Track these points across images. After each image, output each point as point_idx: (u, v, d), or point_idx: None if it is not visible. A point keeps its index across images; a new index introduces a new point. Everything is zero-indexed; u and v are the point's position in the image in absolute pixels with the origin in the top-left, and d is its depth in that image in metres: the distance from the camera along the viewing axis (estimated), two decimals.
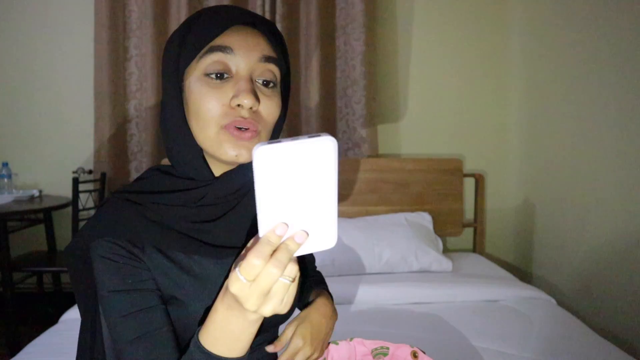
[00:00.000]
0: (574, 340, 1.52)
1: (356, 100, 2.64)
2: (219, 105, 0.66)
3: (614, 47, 1.98)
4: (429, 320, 1.69)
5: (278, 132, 0.74)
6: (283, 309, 0.54)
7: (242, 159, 0.67)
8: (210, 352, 0.60)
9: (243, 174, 0.73)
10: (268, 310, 0.53)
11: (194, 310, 0.69)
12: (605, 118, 2.03)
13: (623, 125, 1.93)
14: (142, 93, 2.64)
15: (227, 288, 0.57)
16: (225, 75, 0.67)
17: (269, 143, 0.47)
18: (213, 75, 0.66)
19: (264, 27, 0.71)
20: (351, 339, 1.01)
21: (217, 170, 0.73)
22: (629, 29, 1.89)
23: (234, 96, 0.66)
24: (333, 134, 2.69)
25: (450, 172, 2.60)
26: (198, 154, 0.70)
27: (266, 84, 0.69)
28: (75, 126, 2.75)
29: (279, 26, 2.57)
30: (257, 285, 0.51)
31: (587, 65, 2.15)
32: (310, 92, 2.63)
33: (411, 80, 2.80)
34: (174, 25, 2.61)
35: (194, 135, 0.69)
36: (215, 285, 0.71)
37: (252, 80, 0.68)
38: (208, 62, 0.66)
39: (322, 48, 2.62)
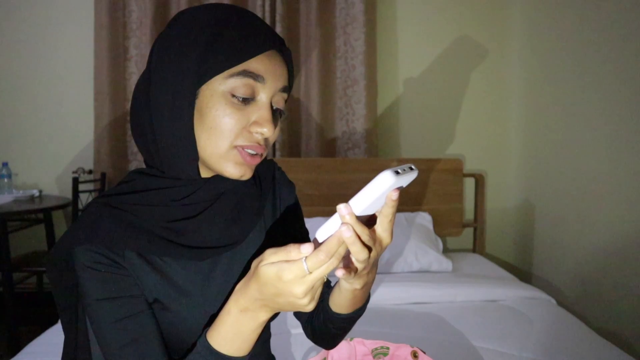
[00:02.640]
0: (574, 340, 1.52)
1: (356, 100, 2.64)
2: (238, 127, 0.67)
3: (614, 47, 1.98)
4: (429, 320, 1.69)
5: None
6: (314, 306, 0.58)
7: (245, 178, 0.70)
8: (220, 352, 0.63)
9: (230, 180, 0.73)
10: (308, 300, 0.57)
11: (176, 312, 0.70)
12: (605, 118, 2.03)
13: (623, 125, 1.93)
14: None
15: (241, 292, 0.61)
16: (249, 99, 0.67)
17: (394, 171, 0.55)
18: (239, 98, 0.66)
19: (287, 53, 0.72)
20: (351, 339, 1.01)
21: (204, 173, 0.73)
22: (628, 30, 1.89)
23: (256, 122, 0.67)
24: (333, 134, 2.69)
25: (450, 172, 2.60)
26: (195, 159, 0.69)
27: (277, 111, 0.71)
28: (75, 126, 2.75)
29: (278, 26, 2.58)
30: (315, 275, 0.56)
31: (587, 65, 2.15)
32: (310, 92, 2.64)
33: (411, 80, 2.80)
34: None
35: (199, 143, 0.68)
36: (194, 287, 0.72)
37: (272, 108, 0.69)
38: (238, 84, 0.66)
39: (322, 48, 2.62)
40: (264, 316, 0.61)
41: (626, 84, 1.91)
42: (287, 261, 0.56)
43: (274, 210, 0.86)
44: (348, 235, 0.55)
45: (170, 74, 0.66)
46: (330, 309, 0.79)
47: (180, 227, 0.71)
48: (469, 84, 2.81)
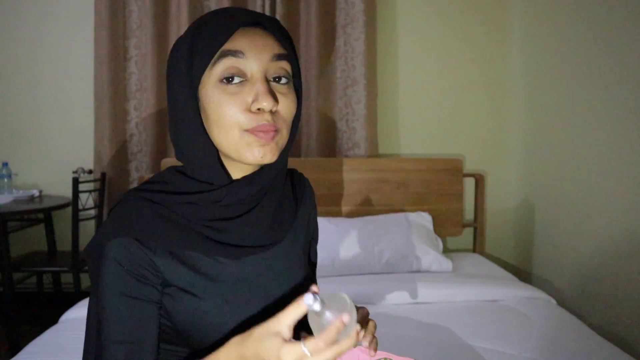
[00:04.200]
0: (574, 340, 1.52)
1: (356, 100, 2.64)
2: (240, 111, 0.66)
3: (614, 47, 1.98)
4: (429, 320, 1.69)
5: (296, 126, 0.75)
6: None
7: (267, 160, 0.68)
8: None
9: (261, 178, 0.73)
10: None
11: (205, 306, 0.71)
12: (605, 118, 2.03)
13: (623, 125, 1.93)
14: (142, 93, 2.64)
15: (236, 346, 0.62)
16: (241, 80, 0.67)
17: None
18: (228, 81, 0.66)
19: (270, 25, 0.71)
20: (355, 346, 0.99)
21: (235, 173, 0.74)
22: (629, 29, 1.89)
23: (254, 100, 0.66)
24: (333, 134, 2.69)
25: (450, 172, 2.60)
26: (216, 160, 0.71)
27: (280, 80, 0.69)
28: (75, 126, 2.75)
29: None
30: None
31: (586, 65, 2.15)
32: (310, 92, 2.64)
33: (411, 80, 2.80)
34: (174, 25, 2.61)
35: (215, 141, 0.69)
36: (228, 284, 0.72)
37: (267, 81, 0.68)
38: (221, 68, 0.66)
39: (322, 48, 2.62)
40: None
41: (626, 84, 1.91)
42: (288, 341, 0.58)
43: (303, 217, 0.88)
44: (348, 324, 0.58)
45: (173, 89, 0.70)
46: None
47: (221, 226, 0.71)
48: (469, 84, 2.81)
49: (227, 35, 0.66)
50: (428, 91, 2.80)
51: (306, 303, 0.58)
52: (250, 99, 0.66)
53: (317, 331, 0.59)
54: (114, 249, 0.67)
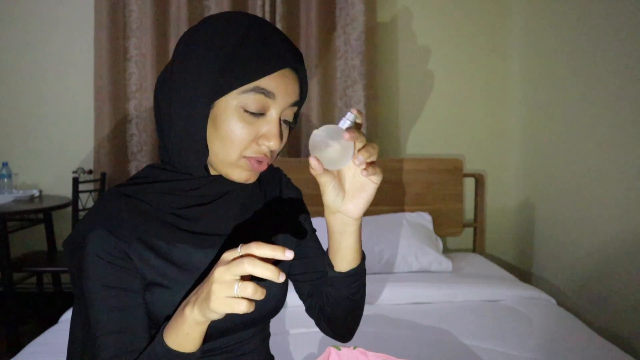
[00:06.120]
0: (574, 340, 1.52)
1: (356, 100, 2.64)
2: (248, 140, 0.70)
3: (614, 47, 1.98)
4: (429, 320, 1.69)
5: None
6: (221, 304, 0.57)
7: (249, 182, 0.74)
8: (165, 344, 0.64)
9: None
10: (220, 282, 0.58)
11: (177, 297, 0.73)
12: (605, 118, 2.03)
13: (623, 125, 1.93)
14: (142, 93, 2.64)
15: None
16: (261, 113, 0.70)
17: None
18: (250, 112, 0.69)
19: (302, 71, 0.74)
20: (355, 347, 0.99)
21: (213, 171, 0.77)
22: (628, 29, 1.89)
23: (264, 136, 0.70)
24: None
25: (450, 172, 2.60)
26: (204, 159, 0.73)
27: (286, 123, 0.74)
28: (75, 126, 2.75)
29: (278, 26, 2.58)
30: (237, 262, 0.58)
31: (586, 65, 2.15)
32: (311, 92, 2.64)
33: (411, 80, 2.80)
34: (174, 25, 2.61)
35: (210, 148, 0.72)
36: (199, 273, 0.75)
37: (280, 122, 0.72)
38: (249, 100, 0.68)
39: (322, 48, 2.62)
40: (188, 310, 0.61)
41: (626, 84, 1.91)
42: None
43: (279, 213, 0.88)
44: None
45: (190, 82, 0.70)
46: (335, 272, 0.82)
47: (188, 213, 0.74)
48: (469, 84, 2.81)
49: (268, 73, 0.68)
50: (428, 91, 2.80)
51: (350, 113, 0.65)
52: (260, 132, 0.70)
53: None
54: (91, 243, 0.70)
